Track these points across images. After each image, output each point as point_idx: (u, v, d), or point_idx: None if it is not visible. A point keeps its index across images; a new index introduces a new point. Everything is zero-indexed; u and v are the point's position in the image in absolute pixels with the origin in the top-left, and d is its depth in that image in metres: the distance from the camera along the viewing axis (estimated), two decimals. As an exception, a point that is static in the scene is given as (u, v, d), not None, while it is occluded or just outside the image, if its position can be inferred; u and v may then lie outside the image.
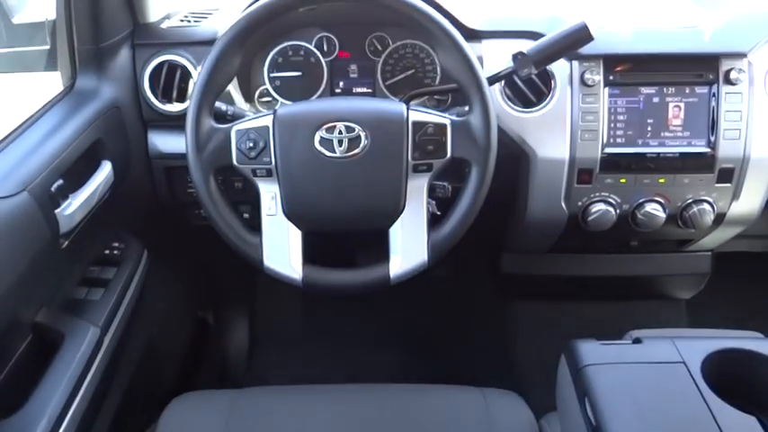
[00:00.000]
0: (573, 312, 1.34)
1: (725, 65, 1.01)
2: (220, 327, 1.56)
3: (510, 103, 1.03)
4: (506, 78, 0.96)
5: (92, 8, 0.98)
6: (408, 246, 0.86)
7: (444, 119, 0.85)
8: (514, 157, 1.06)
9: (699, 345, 0.80)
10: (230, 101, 1.06)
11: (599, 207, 1.05)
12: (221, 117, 0.92)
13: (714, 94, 1.01)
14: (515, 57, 0.92)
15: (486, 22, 1.08)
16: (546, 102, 1.03)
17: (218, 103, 0.92)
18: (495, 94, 1.02)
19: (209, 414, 0.90)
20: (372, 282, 0.86)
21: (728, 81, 1.01)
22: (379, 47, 1.15)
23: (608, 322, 1.18)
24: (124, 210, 1.08)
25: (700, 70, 1.02)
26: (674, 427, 0.70)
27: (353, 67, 1.17)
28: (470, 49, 0.84)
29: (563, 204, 1.06)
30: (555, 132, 1.03)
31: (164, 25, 1.11)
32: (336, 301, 1.68)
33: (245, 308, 1.61)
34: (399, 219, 0.85)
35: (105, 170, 0.97)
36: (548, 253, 1.24)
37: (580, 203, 1.06)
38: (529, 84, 1.03)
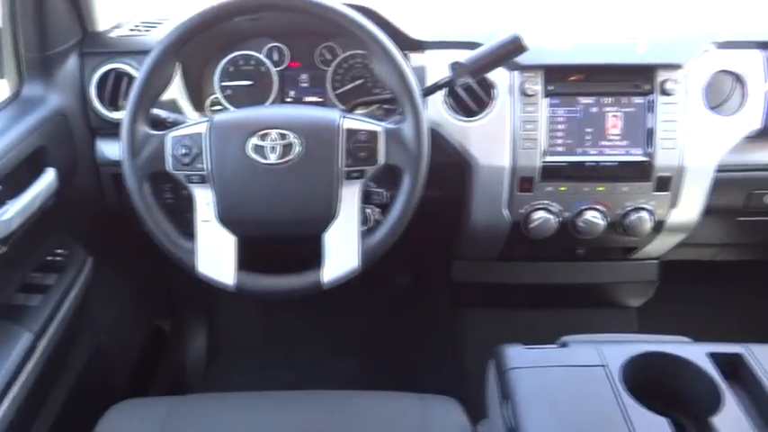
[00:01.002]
0: (522, 320, 1.35)
1: (660, 76, 1.03)
2: (178, 335, 1.56)
3: (452, 112, 1.05)
4: (445, 87, 0.98)
5: (37, 16, 0.99)
6: (341, 251, 0.87)
7: (377, 126, 0.86)
8: (458, 165, 1.08)
9: (621, 349, 0.82)
10: (177, 110, 1.07)
11: (540, 215, 1.07)
12: (160, 124, 0.93)
13: (651, 105, 1.04)
14: (452, 66, 0.94)
15: (430, 33, 1.09)
16: (487, 111, 1.05)
17: (158, 111, 0.94)
18: (437, 103, 1.05)
19: (145, 421, 0.91)
20: (305, 287, 0.87)
21: (664, 92, 1.03)
22: (329, 57, 1.17)
23: (557, 330, 1.19)
24: (71, 216, 1.09)
25: (636, 81, 1.04)
26: (588, 428, 0.71)
27: (304, 76, 1.19)
28: (403, 58, 0.85)
29: (505, 212, 1.08)
30: (496, 141, 1.04)
31: (113, 34, 1.12)
32: (296, 309, 1.69)
33: (203, 316, 1.61)
34: (332, 224, 0.86)
35: (48, 177, 0.97)
36: (496, 261, 1.25)
37: (522, 211, 1.08)
38: (471, 94, 1.05)
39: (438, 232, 1.23)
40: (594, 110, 1.05)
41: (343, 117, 0.86)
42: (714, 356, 0.80)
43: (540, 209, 1.07)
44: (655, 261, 1.27)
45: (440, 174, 1.10)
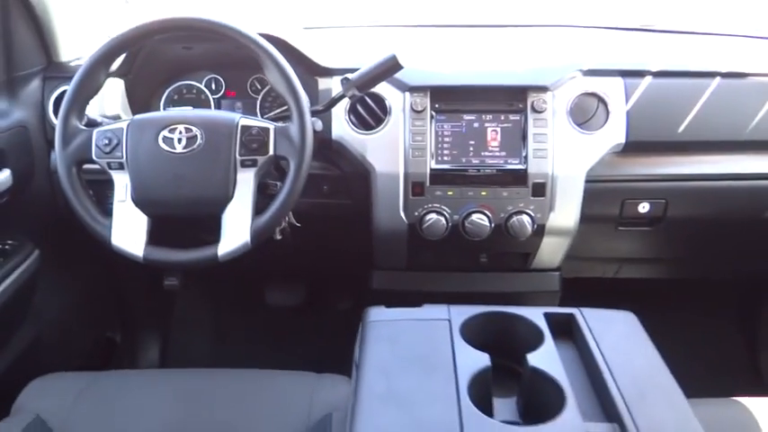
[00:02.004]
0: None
1: (531, 97, 1.20)
2: (128, 347, 1.68)
3: (354, 126, 1.22)
4: (339, 100, 1.14)
5: (5, 44, 1.19)
6: (235, 229, 1.01)
7: (269, 124, 1.03)
8: (362, 174, 1.23)
9: (469, 309, 0.93)
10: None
11: (431, 216, 1.21)
12: (92, 125, 1.10)
13: (524, 121, 1.20)
14: (342, 81, 1.12)
15: (336, 62, 1.28)
16: (383, 126, 1.21)
17: (95, 116, 1.11)
18: (341, 120, 1.22)
19: (63, 393, 1.02)
20: (202, 259, 1.01)
21: (535, 110, 1.19)
22: (259, 86, 1.36)
23: None
24: (24, 214, 1.25)
25: (511, 101, 1.20)
26: (419, 359, 0.83)
27: (239, 103, 1.38)
28: (290, 69, 1.03)
29: (402, 214, 1.22)
30: (391, 151, 1.20)
31: (74, 63, 1.32)
32: (249, 329, 1.80)
33: (157, 331, 1.73)
34: (228, 206, 1.01)
35: (2, 175, 1.14)
36: (408, 270, 1.37)
37: (416, 213, 1.22)
38: (369, 111, 1.22)
39: (354, 241, 1.36)
40: (476, 125, 1.21)
41: (242, 117, 1.03)
42: (548, 315, 0.92)
43: (432, 211, 1.21)
44: (556, 273, 1.38)
45: (348, 183, 1.26)
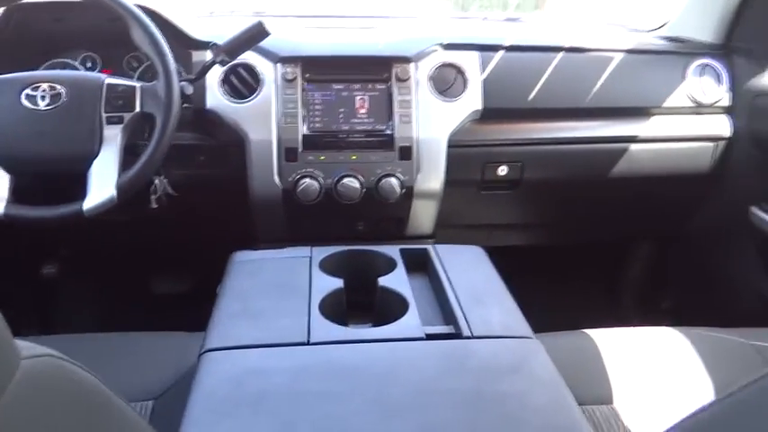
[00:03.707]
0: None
1: (395, 67, 1.28)
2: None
3: (228, 96, 1.26)
4: (211, 66, 1.18)
5: None
6: (101, 184, 1.03)
7: (135, 83, 1.06)
8: (237, 143, 1.27)
9: (330, 248, 0.99)
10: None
11: (305, 180, 1.26)
12: None
13: (390, 89, 1.28)
14: (211, 48, 1.16)
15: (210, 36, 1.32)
16: (256, 94, 1.26)
17: None
18: (214, 91, 1.25)
19: None
20: (67, 214, 1.01)
21: (399, 79, 1.28)
22: (135, 64, 1.38)
23: None
24: None
25: (378, 71, 1.29)
26: (276, 286, 0.87)
27: (115, 81, 1.39)
28: (155, 27, 1.06)
29: (276, 179, 1.26)
30: (264, 119, 1.25)
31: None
32: (135, 319, 1.76)
33: (36, 327, 1.67)
34: (95, 162, 1.03)
35: None
36: (290, 243, 1.41)
37: (290, 179, 1.26)
38: (242, 81, 1.27)
39: (235, 214, 1.39)
40: (345, 93, 1.28)
41: (108, 77, 1.06)
42: (403, 250, 0.99)
43: (305, 176, 1.26)
44: (430, 240, 1.46)
45: (224, 152, 1.30)
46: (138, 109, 1.04)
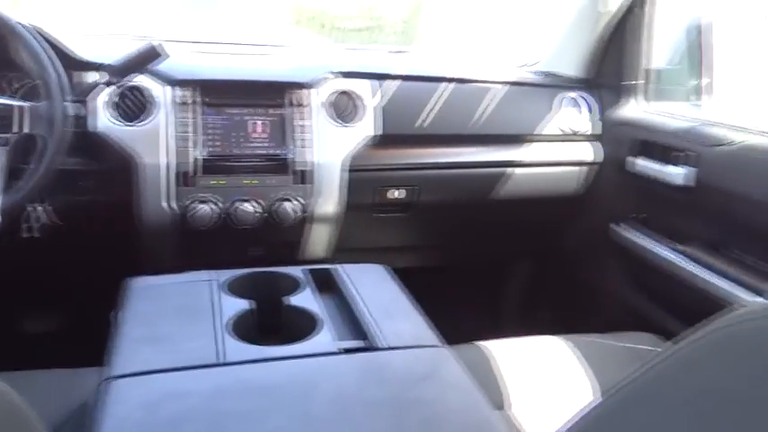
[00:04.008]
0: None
1: (292, 93, 1.30)
2: None
3: (117, 119, 1.21)
4: (97, 86, 1.14)
5: None
6: (-22, 208, 0.95)
7: (22, 103, 1.00)
8: (125, 169, 1.22)
9: (234, 271, 0.98)
10: None
11: (199, 206, 1.23)
12: None
13: (287, 115, 1.29)
14: (100, 68, 1.12)
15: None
16: (149, 117, 1.22)
17: None
18: (101, 112, 1.20)
19: None
20: None
21: (296, 104, 1.30)
22: (16, 85, 1.28)
23: None
24: None
25: (275, 96, 1.30)
26: (181, 309, 0.84)
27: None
28: (41, 48, 1.01)
29: (165, 204, 1.22)
30: (156, 142, 1.22)
31: None
32: (4, 361, 1.61)
33: None
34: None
35: None
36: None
37: (183, 203, 1.23)
38: (134, 103, 1.22)
39: (120, 243, 1.32)
40: (242, 117, 1.28)
41: None
42: (307, 270, 0.99)
43: (200, 201, 1.24)
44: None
45: (110, 178, 1.24)
46: (19, 129, 0.98)
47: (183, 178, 1.23)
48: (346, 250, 1.51)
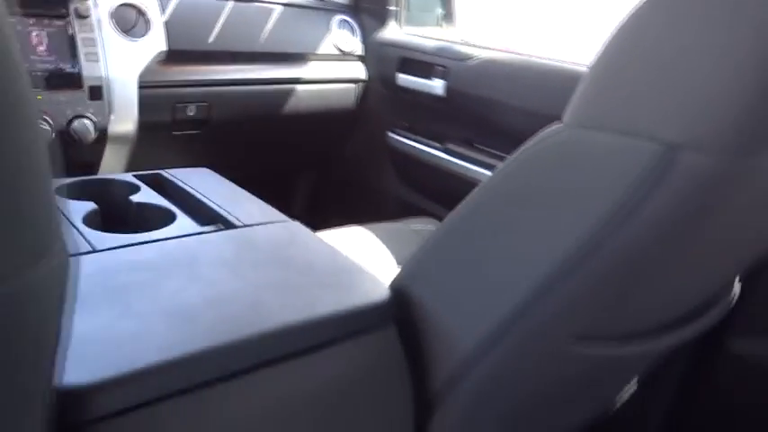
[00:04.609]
0: None
1: (75, 3, 1.23)
2: None
3: None
4: None
5: None
6: None
7: None
8: None
9: (62, 180, 0.95)
10: None
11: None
12: None
13: (71, 26, 1.22)
14: None
15: None
16: None
17: None
18: None
19: None
20: None
21: (80, 15, 1.23)
22: None
23: None
24: None
25: (55, 6, 1.21)
26: None
27: None
28: None
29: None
30: None
31: None
32: None
33: None
34: None
35: None
36: None
37: None
38: None
39: None
40: (19, 28, 1.17)
41: None
42: (140, 176, 1.01)
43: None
44: None
45: None
46: None
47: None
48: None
